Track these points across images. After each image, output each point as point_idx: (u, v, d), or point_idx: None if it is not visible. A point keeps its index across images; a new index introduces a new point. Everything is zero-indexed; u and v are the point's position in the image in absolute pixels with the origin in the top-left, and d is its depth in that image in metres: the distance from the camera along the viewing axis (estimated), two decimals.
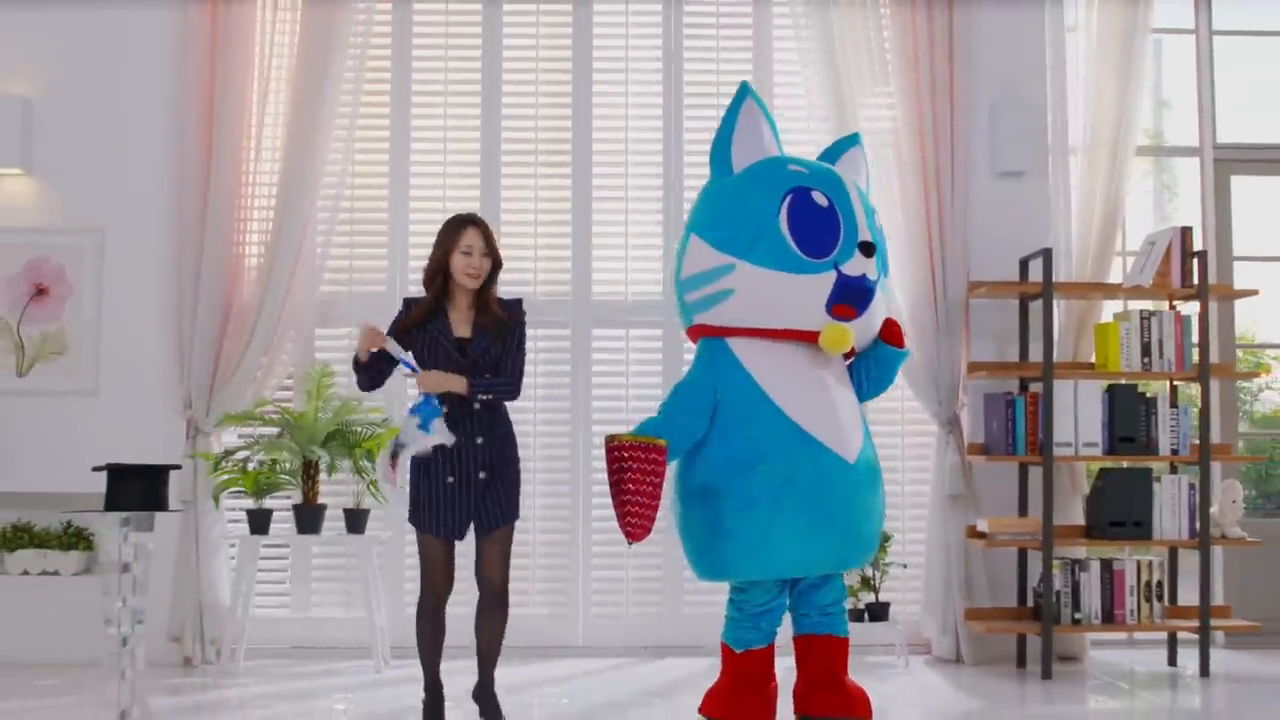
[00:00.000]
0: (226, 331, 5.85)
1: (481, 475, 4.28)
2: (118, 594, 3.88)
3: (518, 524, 4.45)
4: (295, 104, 5.91)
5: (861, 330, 4.40)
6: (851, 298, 4.27)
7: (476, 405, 4.25)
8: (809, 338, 4.29)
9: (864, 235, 4.30)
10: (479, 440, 4.28)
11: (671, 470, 4.34)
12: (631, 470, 4.04)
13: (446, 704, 4.48)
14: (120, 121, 6.02)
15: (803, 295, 4.26)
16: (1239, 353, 6.49)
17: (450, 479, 4.24)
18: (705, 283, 4.37)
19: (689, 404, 4.30)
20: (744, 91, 4.47)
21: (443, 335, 4.30)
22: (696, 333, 4.49)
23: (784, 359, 4.32)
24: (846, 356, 4.50)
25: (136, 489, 3.88)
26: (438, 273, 4.33)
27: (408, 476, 4.28)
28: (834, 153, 4.65)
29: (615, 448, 4.08)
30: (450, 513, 4.27)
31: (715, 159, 4.48)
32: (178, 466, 4.25)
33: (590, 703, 5.01)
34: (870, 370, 4.48)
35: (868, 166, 4.70)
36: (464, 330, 4.32)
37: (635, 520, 4.07)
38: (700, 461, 4.29)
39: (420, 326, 4.31)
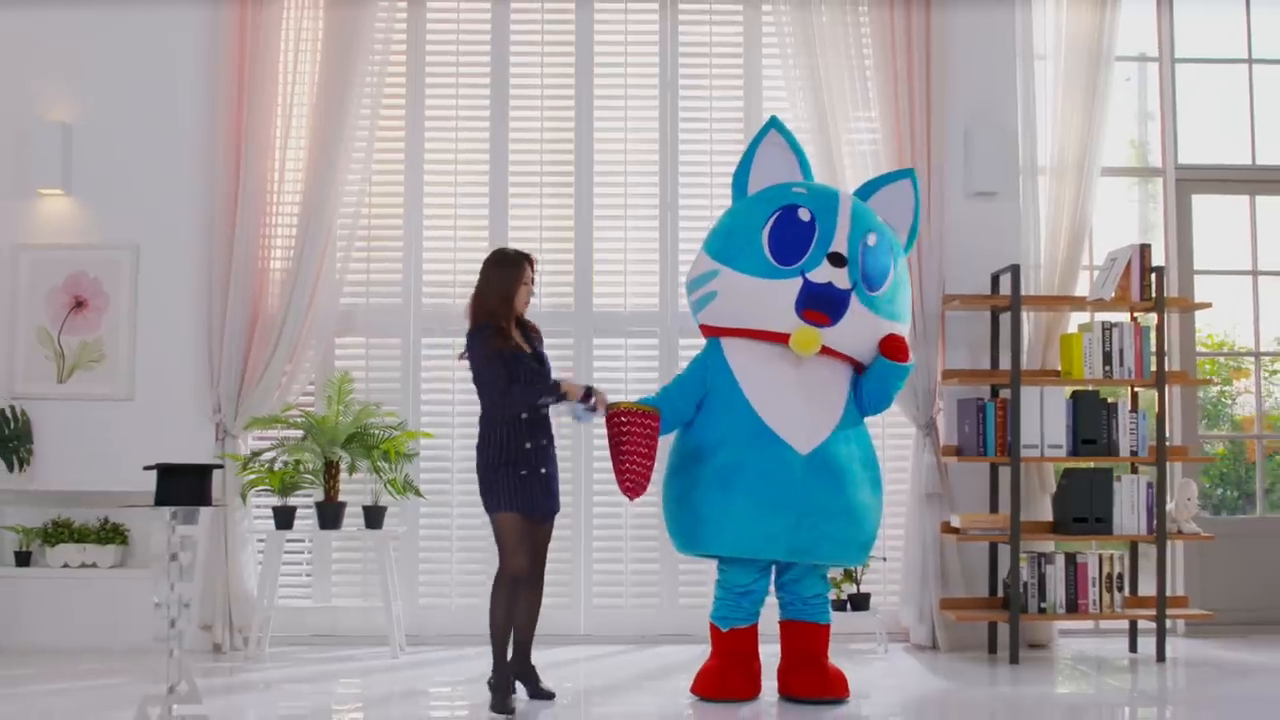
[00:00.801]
0: (253, 341, 6.19)
1: (544, 471, 4.83)
2: (167, 581, 4.26)
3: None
4: (317, 129, 6.26)
5: (850, 340, 4.84)
6: (819, 304, 4.75)
7: (544, 412, 4.83)
8: (784, 339, 4.76)
9: (836, 247, 4.75)
10: (544, 442, 4.85)
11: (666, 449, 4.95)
12: (629, 434, 4.74)
13: (455, 687, 4.91)
14: (153, 145, 6.36)
15: (773, 299, 4.80)
16: (1223, 358, 6.87)
17: (524, 472, 4.76)
18: (698, 286, 5.03)
19: (681, 390, 4.95)
20: (769, 126, 5.11)
21: (519, 352, 4.83)
22: (703, 331, 5.12)
23: (765, 359, 4.85)
24: (858, 370, 4.97)
25: (184, 486, 4.27)
26: (505, 303, 4.81)
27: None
28: (877, 183, 5.21)
29: (614, 414, 4.78)
30: (535, 499, 4.80)
31: (734, 183, 5.14)
32: (220, 465, 4.65)
33: (591, 685, 5.41)
34: (868, 383, 4.93)
35: (916, 197, 5.18)
36: (525, 346, 4.88)
37: (631, 478, 4.74)
38: (680, 444, 4.95)
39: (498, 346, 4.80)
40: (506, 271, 4.86)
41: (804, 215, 4.86)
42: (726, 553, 4.84)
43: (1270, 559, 6.69)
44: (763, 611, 5.07)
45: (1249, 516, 6.92)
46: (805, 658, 4.96)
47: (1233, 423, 7.99)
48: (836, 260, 4.77)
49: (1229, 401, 7.80)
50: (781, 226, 4.86)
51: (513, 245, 6.36)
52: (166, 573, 4.27)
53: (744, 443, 4.76)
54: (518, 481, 4.77)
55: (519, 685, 4.97)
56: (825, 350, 4.86)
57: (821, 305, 4.75)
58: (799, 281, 4.76)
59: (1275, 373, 7.64)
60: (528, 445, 4.79)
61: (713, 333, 5.04)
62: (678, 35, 6.61)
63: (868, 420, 6.34)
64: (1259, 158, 6.89)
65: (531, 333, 4.99)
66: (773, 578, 5.02)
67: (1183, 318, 6.68)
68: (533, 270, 4.94)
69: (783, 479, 4.70)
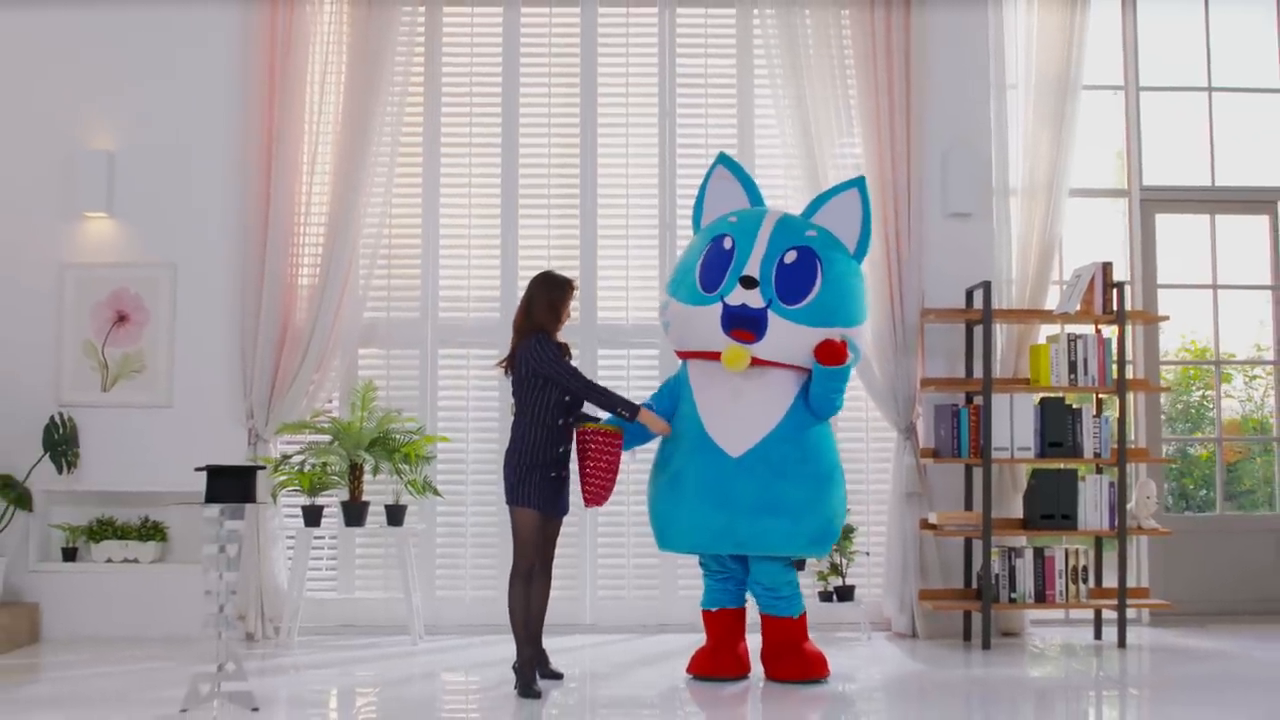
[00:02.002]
0: (283, 351, 6.60)
1: (563, 475, 5.27)
2: (216, 571, 4.73)
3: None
4: (341, 156, 6.69)
5: (782, 350, 5.27)
6: (739, 323, 5.26)
7: (573, 423, 5.30)
8: (719, 357, 5.26)
9: (747, 270, 5.24)
10: (569, 447, 5.30)
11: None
12: (590, 450, 5.25)
13: (469, 672, 5.38)
14: (189, 171, 6.79)
15: (702, 323, 5.35)
16: (1225, 364, 7.32)
17: (553, 475, 5.21)
18: (660, 316, 5.66)
19: (651, 407, 5.46)
20: (717, 161, 5.63)
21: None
22: (677, 355, 5.66)
23: (713, 374, 5.38)
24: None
25: (232, 485, 4.73)
26: (555, 318, 5.29)
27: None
28: (825, 197, 5.63)
29: (580, 432, 5.28)
30: (558, 501, 5.27)
31: (694, 219, 5.71)
32: (262, 467, 5.09)
33: (596, 668, 5.86)
34: (811, 387, 5.34)
35: (865, 205, 5.55)
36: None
37: (591, 489, 5.24)
38: (656, 456, 5.50)
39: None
40: (556, 293, 5.31)
41: (727, 244, 5.41)
42: (684, 550, 5.43)
43: (1229, 554, 7.14)
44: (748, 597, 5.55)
45: (1209, 514, 7.37)
46: (784, 646, 5.41)
47: (1222, 427, 8.34)
48: (747, 283, 5.28)
49: (1209, 406, 8.16)
50: (709, 256, 5.42)
51: (521, 262, 6.88)
52: (216, 563, 4.73)
53: (687, 451, 5.31)
54: (548, 483, 5.21)
55: (520, 671, 5.38)
56: (762, 362, 5.26)
57: (742, 324, 5.24)
58: (719, 306, 5.26)
59: (1255, 378, 7.95)
60: (560, 450, 5.24)
61: (681, 355, 5.58)
62: (675, 67, 7.04)
63: (856, 425, 6.85)
64: (1218, 179, 7.34)
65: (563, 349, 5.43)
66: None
67: (1146, 329, 7.13)
68: (573, 296, 5.37)
69: (716, 479, 5.20)
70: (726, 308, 5.26)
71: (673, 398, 5.49)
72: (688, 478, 5.26)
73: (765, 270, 5.28)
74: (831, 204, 5.58)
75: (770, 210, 5.61)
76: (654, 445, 5.64)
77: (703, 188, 5.68)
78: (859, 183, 5.59)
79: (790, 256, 5.33)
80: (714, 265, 5.37)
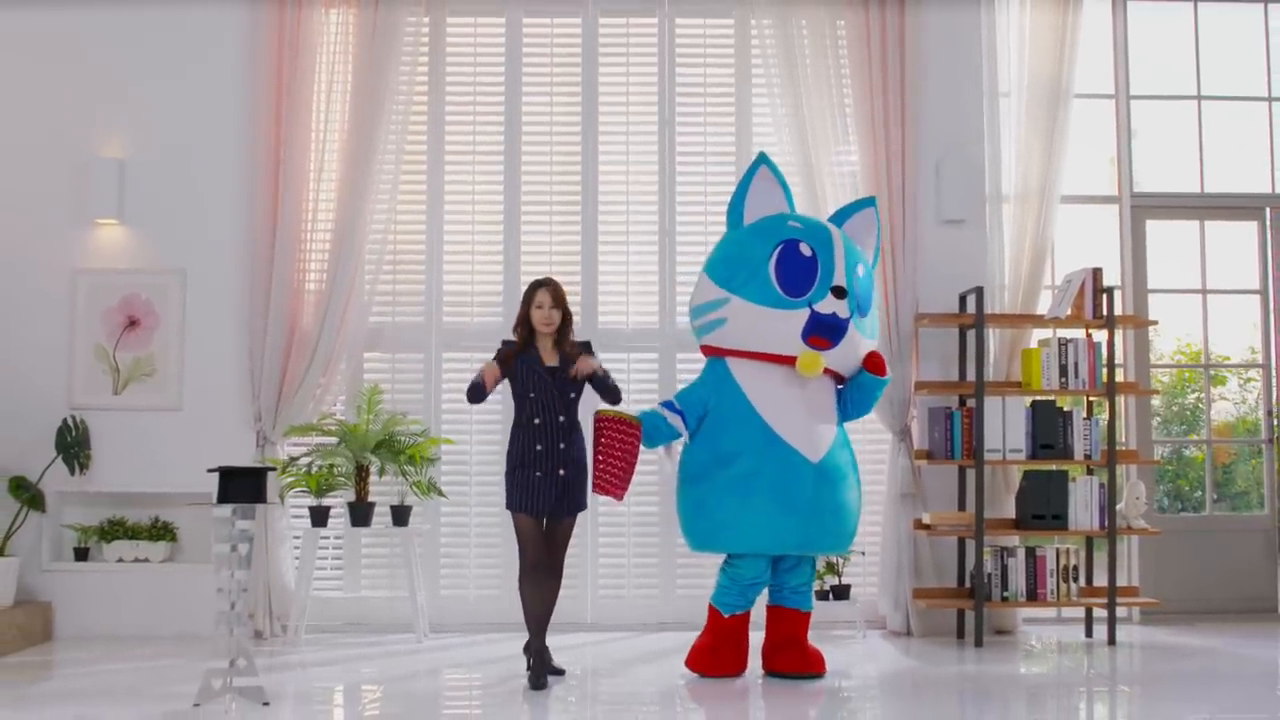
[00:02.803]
0: (290, 355, 6.72)
1: (561, 473, 5.33)
2: (228, 569, 4.85)
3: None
4: (348, 161, 6.81)
5: (842, 359, 5.45)
6: (824, 331, 5.35)
7: (561, 419, 5.33)
8: (789, 361, 5.35)
9: (838, 281, 5.35)
10: (561, 445, 5.34)
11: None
12: (605, 436, 5.30)
13: (472, 668, 5.50)
14: (198, 179, 6.91)
15: (782, 327, 5.37)
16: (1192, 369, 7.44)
17: (538, 474, 5.30)
18: (706, 311, 5.59)
19: (690, 399, 5.49)
20: (760, 161, 5.67)
21: (536, 364, 5.39)
22: (705, 351, 5.67)
23: (770, 376, 5.43)
24: (839, 381, 5.56)
25: (244, 486, 4.86)
26: (521, 323, 5.42)
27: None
28: (847, 212, 5.80)
29: (596, 418, 5.34)
30: (539, 500, 5.33)
31: (730, 214, 5.68)
32: (273, 469, 5.22)
33: (597, 664, 5.98)
34: (852, 394, 5.55)
35: (879, 223, 5.83)
36: (553, 361, 5.41)
37: (602, 475, 5.27)
38: (697, 454, 5.47)
39: (517, 358, 5.40)
40: (525, 296, 5.48)
41: (805, 250, 5.44)
42: (745, 550, 5.40)
43: (1217, 554, 7.27)
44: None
45: (1199, 514, 7.49)
46: (788, 639, 5.55)
47: (1211, 429, 8.44)
48: (839, 293, 5.38)
49: (1204, 408, 8.25)
50: (787, 260, 5.42)
51: (523, 267, 6.99)
52: (228, 562, 4.85)
53: (760, 451, 5.33)
54: (533, 483, 5.32)
55: (530, 660, 5.51)
56: (826, 371, 5.45)
57: (826, 333, 5.36)
58: (806, 312, 5.36)
59: (1250, 380, 8.04)
60: (538, 448, 5.35)
61: (716, 353, 5.58)
62: (675, 76, 7.17)
63: (852, 427, 6.96)
64: (1207, 186, 7.47)
65: (570, 356, 5.43)
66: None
67: (1137, 333, 7.26)
68: (551, 295, 5.41)
69: (797, 484, 5.30)
70: (816, 315, 5.35)
71: (704, 401, 5.49)
72: (764, 479, 5.29)
73: (849, 282, 5.43)
74: (853, 220, 5.79)
75: (828, 225, 5.71)
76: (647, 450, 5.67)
77: (745, 184, 5.64)
78: (873, 202, 5.88)
79: (860, 270, 5.53)
80: (796, 270, 5.40)
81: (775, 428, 5.35)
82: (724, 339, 5.51)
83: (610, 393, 5.45)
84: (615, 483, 5.32)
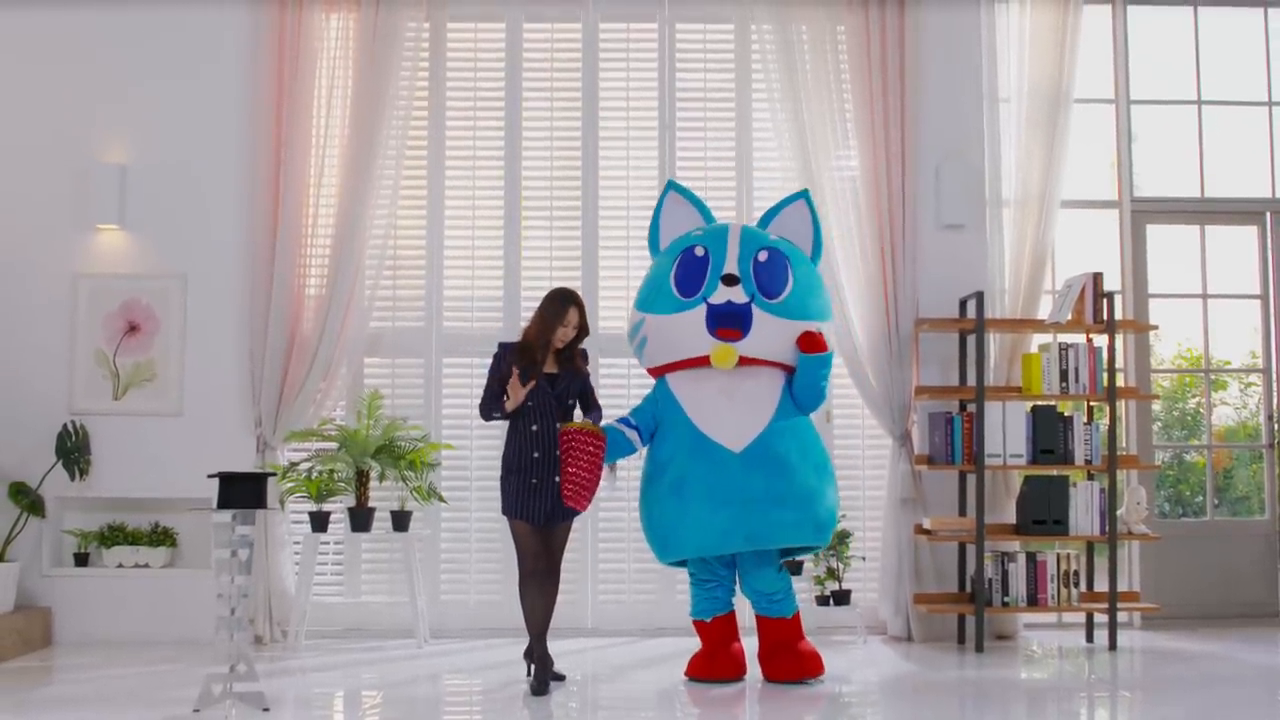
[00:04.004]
0: (290, 361, 6.72)
1: (557, 479, 5.33)
2: (228, 574, 4.85)
3: None
4: (348, 166, 6.81)
5: (766, 344, 5.42)
6: (725, 321, 5.40)
7: (559, 426, 5.33)
8: (706, 361, 5.37)
9: (728, 270, 5.38)
10: (557, 453, 5.34)
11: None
12: (571, 450, 5.30)
13: (473, 674, 5.49)
14: (199, 184, 6.91)
15: (686, 328, 5.45)
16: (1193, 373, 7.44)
17: (534, 480, 5.31)
18: (632, 336, 5.76)
19: (637, 418, 5.58)
20: (667, 189, 5.83)
21: (534, 372, 5.37)
22: (650, 373, 5.79)
23: (699, 381, 5.49)
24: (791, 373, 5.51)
25: (244, 491, 4.86)
26: (539, 332, 5.38)
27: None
28: (776, 209, 5.82)
29: (561, 432, 5.35)
30: (535, 506, 5.33)
31: (650, 244, 5.84)
32: (273, 474, 5.22)
33: (597, 670, 5.98)
34: (797, 378, 5.50)
35: (813, 213, 5.81)
36: (552, 368, 5.42)
37: (570, 488, 5.28)
38: (644, 468, 5.56)
39: (517, 366, 5.38)
40: (554, 310, 5.41)
41: (699, 251, 5.55)
42: (692, 554, 5.42)
43: (1218, 559, 7.27)
44: (735, 602, 5.65)
45: (1199, 519, 7.49)
46: (779, 646, 5.55)
47: (1212, 434, 8.43)
48: (729, 280, 5.42)
49: (1204, 414, 8.25)
50: (683, 265, 5.54)
51: (526, 273, 7.01)
52: (228, 567, 4.85)
53: (686, 454, 5.38)
54: (527, 489, 5.33)
55: (531, 667, 5.53)
56: (748, 360, 5.42)
57: (728, 322, 5.38)
58: (703, 307, 5.41)
59: (1251, 384, 8.03)
60: (534, 455, 5.36)
61: (656, 372, 5.68)
62: (675, 81, 7.18)
63: (852, 432, 6.97)
64: (1208, 190, 7.48)
65: (577, 366, 5.46)
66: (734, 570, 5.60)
67: (1137, 338, 7.25)
68: (580, 314, 5.42)
69: (722, 476, 5.30)
70: (711, 307, 5.40)
71: (653, 416, 5.56)
72: (692, 480, 5.32)
73: (744, 268, 5.44)
74: (782, 215, 5.80)
75: (731, 222, 5.81)
76: (632, 460, 5.77)
77: (657, 212, 5.80)
78: (805, 194, 5.86)
79: (763, 256, 5.51)
80: (690, 272, 5.49)
81: (702, 428, 5.40)
82: (651, 356, 5.66)
83: (594, 409, 5.56)
84: (584, 494, 5.35)
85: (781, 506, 5.31)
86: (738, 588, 5.64)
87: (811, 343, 5.41)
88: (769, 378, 5.49)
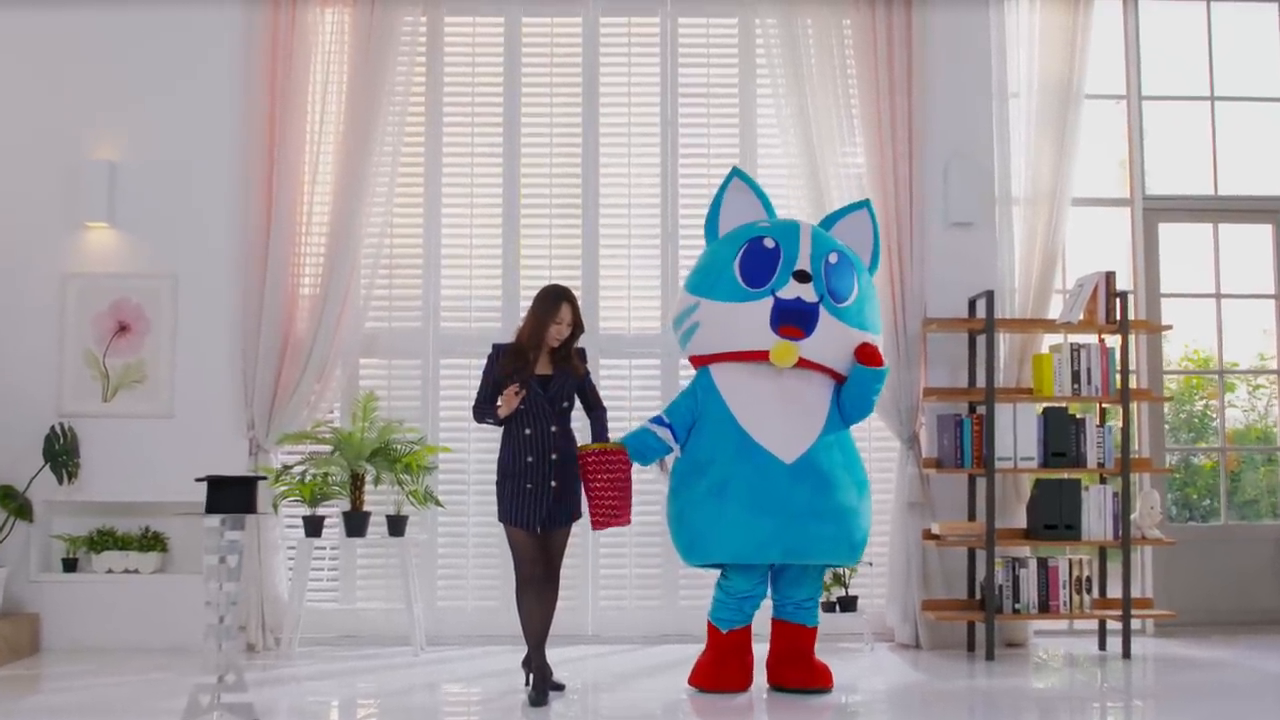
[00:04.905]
0: (284, 362, 6.60)
1: (554, 484, 5.20)
2: (217, 581, 4.71)
3: None
4: (343, 165, 6.70)
5: (824, 349, 5.29)
6: (791, 318, 5.24)
7: (553, 429, 5.19)
8: (764, 356, 5.22)
9: (801, 266, 5.24)
10: (553, 457, 5.21)
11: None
12: (588, 473, 5.22)
13: (471, 682, 5.36)
14: (191, 181, 6.79)
15: (749, 319, 5.28)
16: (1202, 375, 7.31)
17: (529, 485, 5.17)
18: (682, 320, 5.54)
19: (675, 414, 5.41)
20: (731, 175, 5.65)
21: (529, 373, 5.24)
22: (692, 361, 5.58)
23: (748, 378, 5.33)
24: (840, 383, 5.40)
25: (233, 496, 4.72)
26: (531, 332, 5.24)
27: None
28: (839, 214, 5.73)
29: (579, 457, 5.24)
30: (531, 512, 5.20)
31: (706, 229, 5.65)
32: (264, 478, 5.08)
33: (598, 679, 5.85)
34: (847, 389, 5.37)
35: (874, 224, 5.72)
36: (545, 369, 5.27)
37: (599, 513, 5.20)
38: (679, 465, 5.39)
39: (511, 368, 5.25)
40: (545, 307, 5.27)
41: (769, 243, 5.38)
42: (726, 560, 5.25)
43: (1233, 564, 7.13)
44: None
45: (1214, 524, 7.35)
46: (794, 654, 5.41)
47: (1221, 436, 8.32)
48: (802, 277, 5.27)
49: (1212, 416, 8.17)
50: (750, 254, 5.37)
51: (525, 273, 6.89)
52: (216, 574, 4.71)
53: (732, 457, 5.21)
54: (522, 494, 5.20)
55: (530, 676, 5.39)
56: (804, 363, 5.29)
57: (793, 319, 5.23)
58: (770, 300, 5.25)
59: (1259, 387, 7.94)
60: (528, 459, 5.22)
61: (701, 362, 5.49)
62: (677, 76, 7.06)
63: (859, 435, 6.86)
64: (1221, 188, 7.35)
65: (573, 366, 5.32)
66: (769, 580, 5.46)
67: (1150, 338, 7.13)
68: (572, 310, 5.27)
69: (769, 486, 5.15)
70: (779, 301, 5.24)
71: (691, 412, 5.41)
72: (736, 484, 5.16)
73: (816, 267, 5.29)
74: (843, 223, 5.69)
75: (800, 220, 5.66)
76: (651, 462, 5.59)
77: (719, 197, 5.62)
78: (867, 204, 5.77)
79: (833, 258, 5.39)
80: (759, 262, 5.33)
81: (749, 430, 5.24)
82: (700, 344, 5.46)
83: (597, 407, 5.46)
84: (617, 513, 5.25)
85: (820, 521, 5.18)
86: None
87: (870, 356, 5.32)
88: (820, 385, 5.37)
